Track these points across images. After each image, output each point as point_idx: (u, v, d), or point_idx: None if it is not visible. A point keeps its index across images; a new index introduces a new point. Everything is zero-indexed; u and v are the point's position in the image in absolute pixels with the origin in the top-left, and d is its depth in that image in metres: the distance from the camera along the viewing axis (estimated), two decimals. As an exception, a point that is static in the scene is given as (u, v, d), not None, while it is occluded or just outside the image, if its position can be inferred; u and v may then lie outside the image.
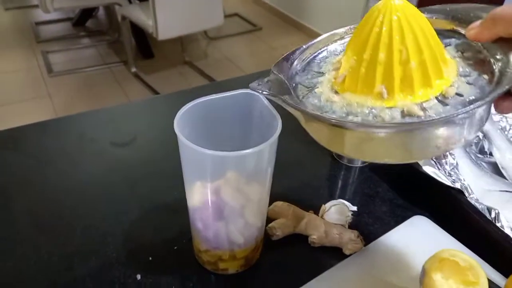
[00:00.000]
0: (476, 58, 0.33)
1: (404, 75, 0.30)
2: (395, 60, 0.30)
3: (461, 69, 0.32)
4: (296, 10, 3.11)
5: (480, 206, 0.52)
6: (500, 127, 0.61)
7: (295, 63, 0.39)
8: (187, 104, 0.39)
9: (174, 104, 0.74)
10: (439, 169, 0.54)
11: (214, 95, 0.40)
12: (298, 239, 0.50)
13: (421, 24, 0.30)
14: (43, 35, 2.81)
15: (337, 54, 0.40)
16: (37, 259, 0.47)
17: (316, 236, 0.49)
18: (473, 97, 0.30)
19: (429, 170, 0.54)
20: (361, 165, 0.64)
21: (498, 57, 0.31)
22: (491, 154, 0.61)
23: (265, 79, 0.37)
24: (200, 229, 0.43)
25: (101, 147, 0.65)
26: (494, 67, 0.31)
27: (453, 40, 0.35)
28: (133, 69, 2.42)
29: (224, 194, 0.40)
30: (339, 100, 0.33)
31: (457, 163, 0.56)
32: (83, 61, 2.53)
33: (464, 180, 0.55)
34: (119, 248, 0.49)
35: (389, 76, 0.30)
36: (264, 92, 0.36)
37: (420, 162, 0.54)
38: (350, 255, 0.48)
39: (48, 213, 0.53)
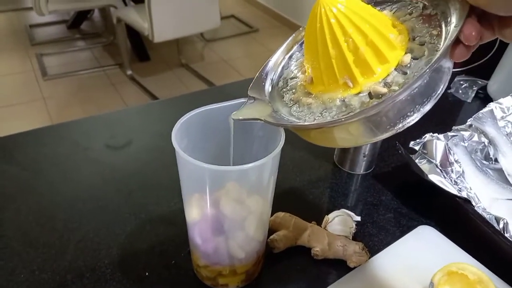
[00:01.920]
0: (423, 15, 0.34)
1: (359, 61, 0.31)
2: (345, 51, 0.31)
3: (412, 32, 0.33)
4: (293, 11, 3.10)
5: (487, 216, 0.50)
6: (506, 133, 0.60)
7: (268, 79, 0.39)
8: (186, 114, 0.38)
9: (172, 110, 0.73)
10: (445, 177, 0.53)
11: (213, 104, 0.38)
12: (300, 252, 0.48)
13: (356, 9, 0.32)
14: (38, 37, 2.79)
15: (302, 55, 0.40)
16: (28, 275, 0.45)
17: (319, 248, 0.47)
18: (427, 57, 0.31)
19: (434, 178, 0.52)
20: (363, 172, 0.62)
21: (441, 7, 0.32)
22: (496, 160, 0.59)
23: (244, 107, 0.37)
24: (199, 244, 0.41)
25: (95, 156, 0.63)
26: (441, 20, 0.32)
27: (401, 3, 0.37)
28: (129, 72, 2.40)
29: (224, 207, 0.38)
30: (314, 101, 0.34)
31: (463, 171, 0.55)
32: (78, 64, 2.51)
33: (471, 189, 0.53)
34: (114, 263, 0.46)
35: (346, 67, 0.32)
36: (246, 119, 0.36)
37: (426, 171, 0.53)
38: (354, 267, 0.47)
39: (39, 226, 0.51)
